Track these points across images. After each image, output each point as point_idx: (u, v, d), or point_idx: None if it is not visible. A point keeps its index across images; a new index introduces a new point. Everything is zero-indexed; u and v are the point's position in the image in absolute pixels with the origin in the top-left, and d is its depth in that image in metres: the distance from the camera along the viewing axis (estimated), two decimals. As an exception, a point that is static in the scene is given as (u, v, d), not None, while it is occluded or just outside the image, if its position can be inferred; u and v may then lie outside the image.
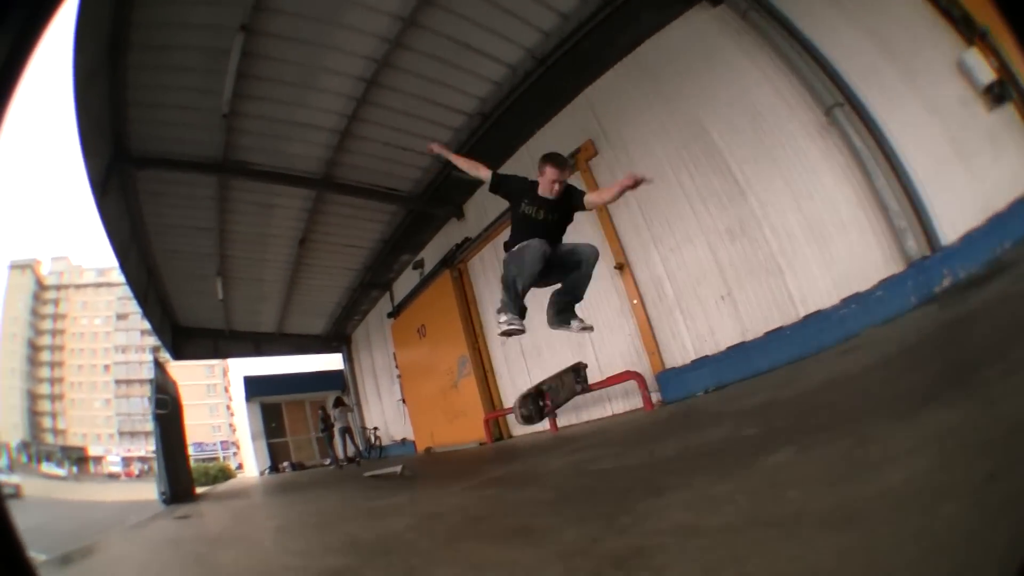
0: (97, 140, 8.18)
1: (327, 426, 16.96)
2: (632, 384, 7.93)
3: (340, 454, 16.26)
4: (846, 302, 5.28)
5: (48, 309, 75.18)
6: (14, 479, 47.56)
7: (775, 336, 5.92)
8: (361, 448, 16.74)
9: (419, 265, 13.44)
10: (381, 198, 11.32)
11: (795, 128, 5.91)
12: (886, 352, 4.12)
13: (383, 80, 8.54)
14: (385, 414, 17.29)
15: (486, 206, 10.80)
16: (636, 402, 7.94)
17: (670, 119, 7.29)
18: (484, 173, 4.42)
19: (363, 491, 6.51)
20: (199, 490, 16.54)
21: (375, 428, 17.49)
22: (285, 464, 22.91)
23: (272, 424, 24.65)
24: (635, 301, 7.82)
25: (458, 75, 8.74)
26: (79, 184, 8.56)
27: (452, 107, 9.44)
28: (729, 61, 6.53)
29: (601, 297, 8.33)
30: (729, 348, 6.49)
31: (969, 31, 4.56)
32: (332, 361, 21.48)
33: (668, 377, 7.27)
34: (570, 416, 9.07)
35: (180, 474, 11.24)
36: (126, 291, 13.72)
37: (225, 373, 64.41)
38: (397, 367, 15.40)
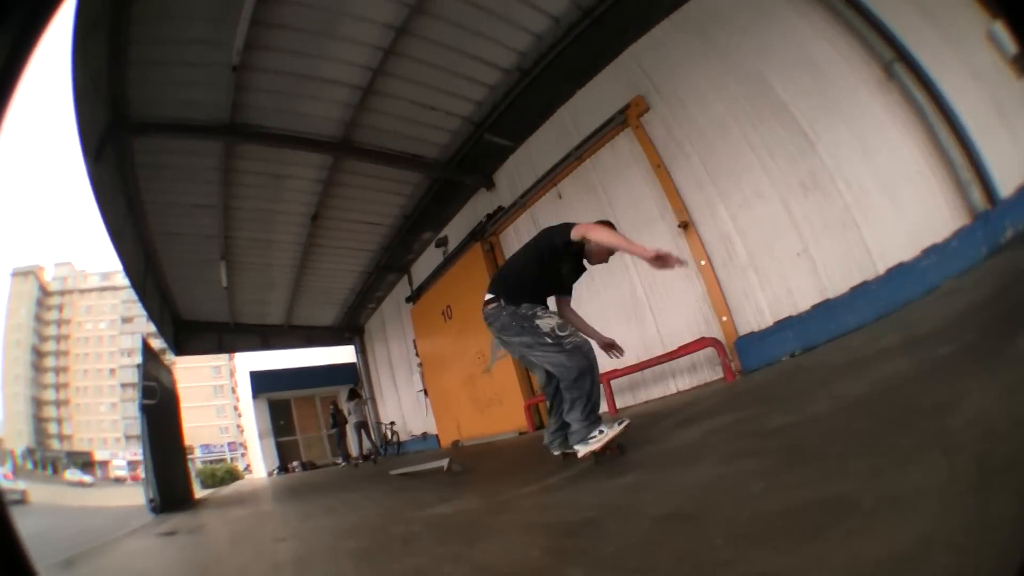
0: (94, 105, 7.00)
1: (337, 422, 15.53)
2: (698, 357, 6.88)
3: (355, 451, 14.81)
4: (926, 253, 4.80)
5: (52, 315, 73.54)
6: (20, 485, 45.83)
7: (861, 291, 5.27)
8: (377, 444, 15.27)
9: (443, 243, 11.95)
10: (404, 165, 9.88)
11: (856, 83, 5.35)
12: (1000, 283, 3.75)
13: (413, 28, 7.29)
14: (402, 408, 15.69)
15: (520, 172, 9.63)
16: (704, 375, 6.87)
17: (728, 74, 6.41)
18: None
19: (400, 494, 5.00)
20: (203, 493, 15.09)
21: (391, 423, 15.89)
22: (295, 464, 21.04)
23: (280, 422, 22.69)
24: (703, 262, 6.75)
25: (497, 25, 7.53)
26: (77, 171, 7.42)
27: (488, 61, 8.15)
28: (781, 18, 5.91)
29: None
30: (814, 307, 5.67)
31: (993, 5, 4.33)
32: (344, 354, 19.85)
33: (747, 343, 6.26)
34: (625, 397, 7.84)
35: (174, 477, 9.59)
36: (131, 294, 12.24)
37: (232, 374, 62.90)
38: (418, 355, 13.81)
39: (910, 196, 5.07)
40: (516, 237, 9.67)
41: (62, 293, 74.92)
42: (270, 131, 8.64)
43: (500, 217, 9.97)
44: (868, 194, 5.34)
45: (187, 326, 15.03)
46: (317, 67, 7.72)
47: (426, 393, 13.68)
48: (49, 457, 65.19)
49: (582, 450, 3.56)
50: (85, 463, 65.71)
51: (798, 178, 5.84)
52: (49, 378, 71.37)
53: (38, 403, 69.54)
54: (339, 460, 16.29)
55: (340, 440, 15.97)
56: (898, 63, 5.00)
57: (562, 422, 3.90)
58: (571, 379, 3.59)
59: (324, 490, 7.65)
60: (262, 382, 22.26)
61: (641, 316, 7.70)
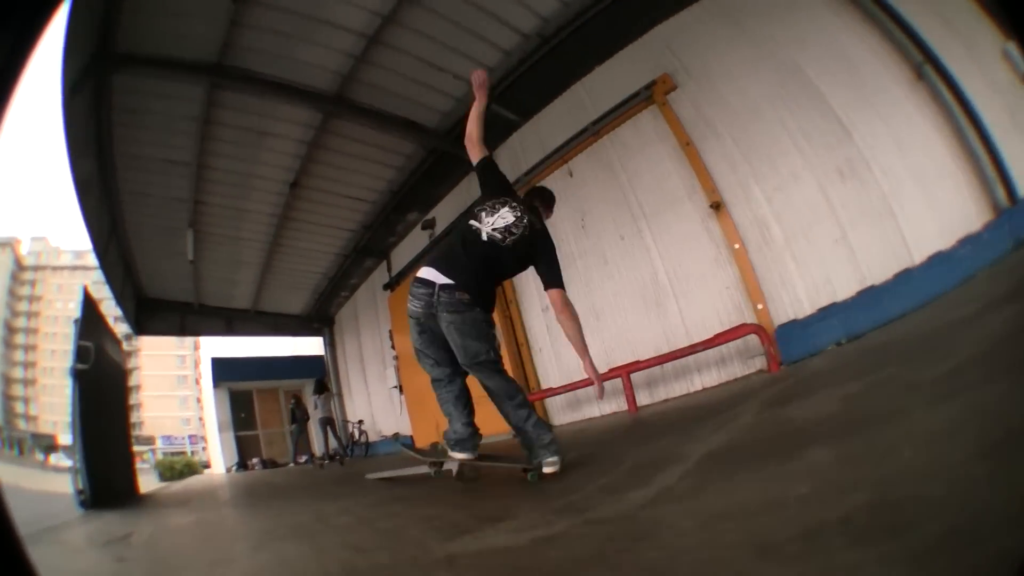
0: (84, 32, 5.83)
1: (297, 418, 13.56)
2: (728, 350, 5.90)
3: (319, 450, 13.06)
4: (962, 243, 4.55)
5: (25, 290, 68.49)
6: (-8, 466, 42.38)
7: (904, 278, 4.83)
8: (344, 443, 13.31)
9: (429, 225, 10.30)
10: (400, 131, 8.39)
11: (888, 80, 5.05)
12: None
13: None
14: (372, 405, 13.74)
15: (525, 149, 8.30)
16: (734, 370, 5.88)
17: (761, 60, 5.81)
18: (479, 152, 3.56)
19: (399, 509, 3.21)
20: (156, 486, 13.15)
21: (359, 421, 13.84)
22: (255, 461, 18.54)
23: (241, 415, 20.12)
24: (736, 246, 5.86)
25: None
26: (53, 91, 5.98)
27: (508, 23, 6.95)
28: (816, 14, 5.56)
29: (689, 242, 6.34)
30: (859, 293, 5.09)
31: (1006, 26, 4.26)
32: (311, 345, 17.54)
33: (788, 332, 5.42)
34: (641, 396, 6.53)
35: (114, 466, 7.46)
36: (100, 276, 10.49)
37: (197, 365, 59.46)
38: (394, 348, 11.91)
39: (940, 189, 4.79)
40: (518, 218, 8.28)
41: (35, 269, 69.73)
42: (261, 76, 7.24)
43: (500, 195, 8.52)
44: (903, 184, 4.96)
45: (150, 304, 13.09)
46: (323, 6, 6.44)
47: (401, 390, 11.83)
48: (15, 437, 60.56)
49: (557, 462, 3.12)
50: (49, 446, 61.65)
51: (835, 164, 5.30)
52: (18, 355, 66.78)
53: (7, 380, 64.65)
54: (302, 459, 14.41)
55: (299, 437, 14.05)
56: (927, 66, 4.81)
57: (472, 423, 3.45)
58: (521, 397, 3.27)
59: (289, 495, 5.93)
60: (224, 370, 19.83)
61: (664, 304, 6.51)
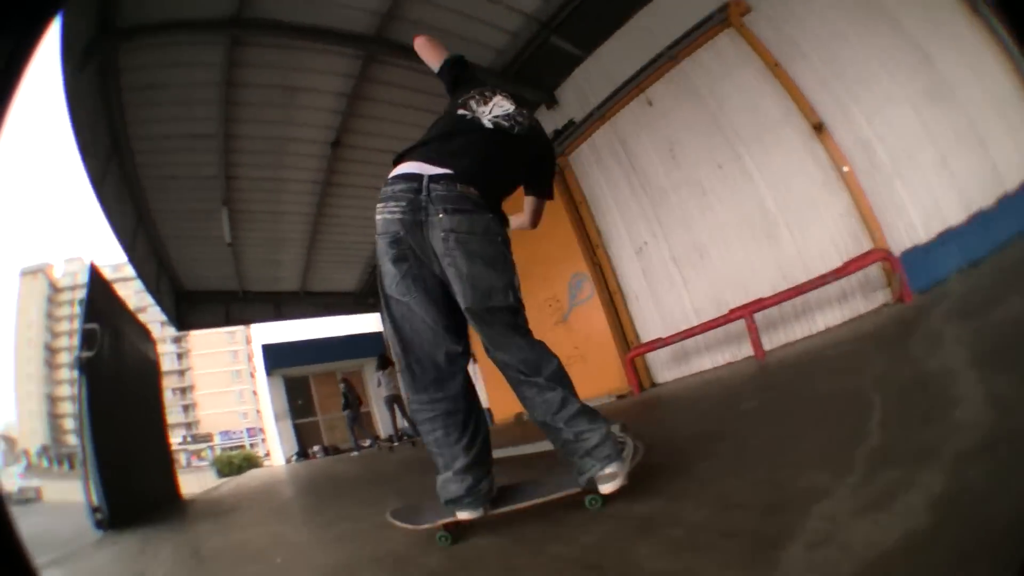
0: (82, 15, 5.19)
1: (349, 402, 12.94)
2: (848, 284, 5.28)
3: (387, 432, 12.25)
4: None
5: (64, 311, 69.01)
6: (35, 483, 43.71)
7: (1007, 204, 4.41)
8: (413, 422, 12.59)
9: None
10: (450, 72, 7.48)
11: (959, 25, 4.59)
12: None
13: None
14: None
15: (592, 83, 7.46)
16: (857, 306, 5.30)
17: None
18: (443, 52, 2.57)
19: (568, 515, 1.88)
20: (215, 483, 12.48)
21: None
22: (316, 448, 17.40)
23: (298, 401, 19.09)
24: (845, 168, 5.30)
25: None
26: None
27: None
28: None
29: (794, 166, 5.65)
30: (971, 217, 4.62)
31: (1007, 26, 2.60)
32: (368, 322, 16.48)
33: (912, 258, 4.92)
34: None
35: (137, 472, 6.16)
36: (140, 285, 10.23)
37: (250, 358, 59.14)
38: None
39: (1016, 119, 4.40)
40: (594, 157, 7.45)
41: (73, 288, 69.54)
42: (287, 24, 6.35)
43: (571, 133, 7.64)
44: (985, 112, 4.56)
45: (190, 297, 12.31)
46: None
47: (475, 359, 11.01)
48: (64, 453, 60.84)
49: (618, 473, 1.80)
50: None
51: (923, 87, 4.84)
52: (63, 374, 67.32)
53: (52, 400, 65.54)
54: (365, 444, 13.44)
55: (354, 423, 13.27)
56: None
57: (481, 455, 2.04)
58: (552, 370, 1.94)
59: (362, 493, 4.67)
60: (276, 356, 18.69)
61: (775, 235, 5.83)
